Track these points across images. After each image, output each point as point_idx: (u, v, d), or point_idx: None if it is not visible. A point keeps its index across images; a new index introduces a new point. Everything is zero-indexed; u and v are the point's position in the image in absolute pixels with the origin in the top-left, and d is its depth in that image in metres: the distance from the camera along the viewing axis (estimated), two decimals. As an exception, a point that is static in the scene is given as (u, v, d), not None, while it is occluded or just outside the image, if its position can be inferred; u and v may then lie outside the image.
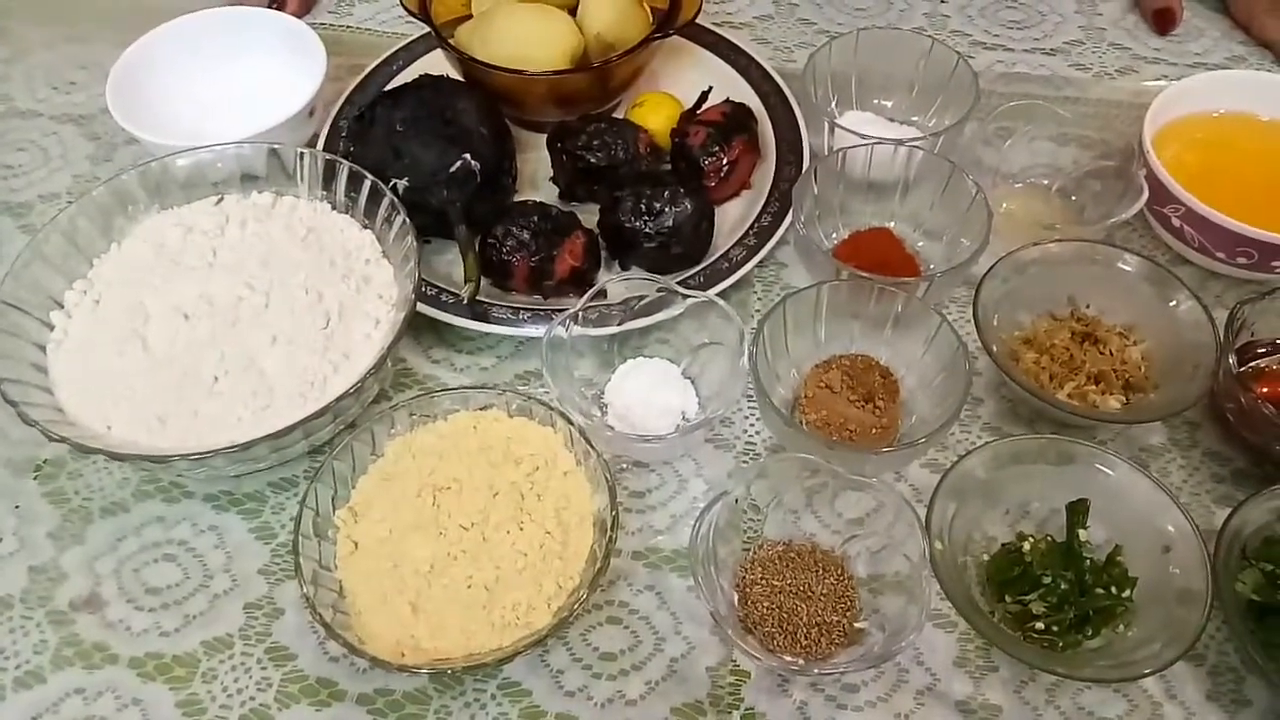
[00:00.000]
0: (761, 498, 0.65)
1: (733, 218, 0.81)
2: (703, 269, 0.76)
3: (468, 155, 0.75)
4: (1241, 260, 0.72)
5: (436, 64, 0.86)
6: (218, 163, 0.74)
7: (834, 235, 0.79)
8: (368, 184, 0.71)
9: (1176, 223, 0.74)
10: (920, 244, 0.79)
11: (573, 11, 0.84)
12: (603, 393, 0.72)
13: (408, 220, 0.69)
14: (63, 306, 0.68)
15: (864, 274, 0.70)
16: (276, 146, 0.73)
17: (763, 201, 0.80)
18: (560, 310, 0.73)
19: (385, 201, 0.71)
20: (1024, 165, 0.83)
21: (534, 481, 0.62)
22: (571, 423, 0.63)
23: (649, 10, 0.83)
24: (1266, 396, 0.66)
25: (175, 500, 0.67)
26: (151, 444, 0.61)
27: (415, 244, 0.68)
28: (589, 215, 0.79)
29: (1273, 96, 0.81)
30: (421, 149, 0.74)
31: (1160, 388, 0.68)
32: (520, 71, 0.78)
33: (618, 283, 0.72)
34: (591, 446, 0.62)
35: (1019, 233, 0.75)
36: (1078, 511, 0.61)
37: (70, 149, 0.88)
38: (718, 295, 0.74)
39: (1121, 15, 0.98)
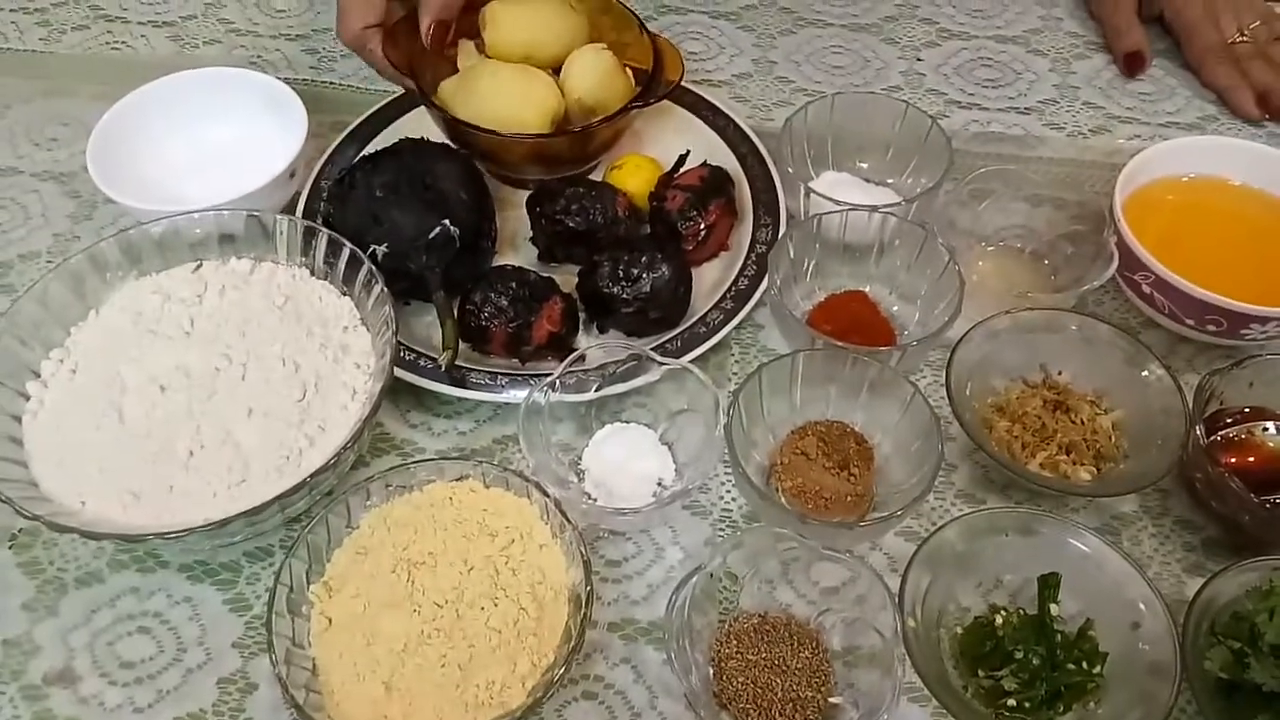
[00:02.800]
0: (738, 567, 0.65)
1: (710, 279, 0.81)
2: (680, 333, 0.76)
3: (447, 221, 0.75)
4: (1211, 328, 0.73)
5: (419, 120, 0.87)
6: (196, 228, 0.74)
7: (810, 297, 0.80)
8: (346, 250, 0.72)
9: (1147, 289, 0.75)
10: (895, 308, 0.79)
11: (558, 71, 0.84)
12: (580, 458, 0.72)
13: (385, 289, 0.69)
14: (39, 376, 0.68)
15: (838, 343, 0.70)
16: (256, 213, 0.73)
17: (740, 264, 0.81)
18: (538, 375, 0.73)
19: (364, 268, 0.71)
20: (998, 227, 0.84)
21: (509, 556, 0.62)
22: (547, 494, 0.63)
23: (631, 75, 0.84)
24: (1234, 467, 0.67)
25: (150, 570, 0.67)
26: (126, 521, 0.61)
27: (393, 313, 0.68)
28: (569, 275, 0.79)
29: (1243, 161, 0.82)
30: (401, 215, 0.75)
31: (1131, 457, 0.69)
32: (500, 134, 0.79)
33: (594, 349, 0.72)
34: (567, 519, 0.62)
35: (992, 298, 0.75)
36: (1049, 585, 0.62)
37: (51, 207, 0.88)
38: (696, 358, 0.75)
39: (1094, 74, 0.99)
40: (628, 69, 0.85)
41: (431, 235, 0.75)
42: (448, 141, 0.82)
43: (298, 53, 1.01)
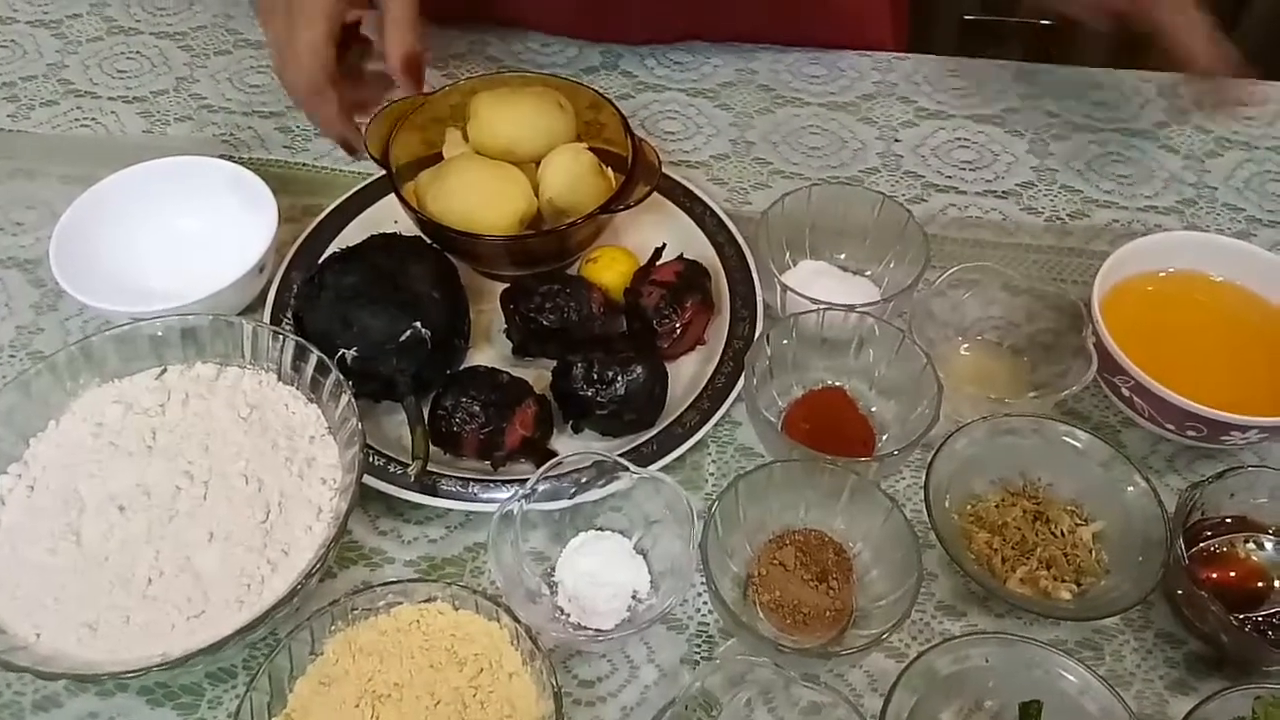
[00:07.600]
0: (716, 690, 0.63)
1: (687, 374, 0.80)
2: (657, 434, 0.75)
3: (418, 323, 0.74)
4: (1191, 434, 0.72)
5: (391, 207, 0.85)
6: (159, 329, 0.72)
7: (788, 393, 0.79)
8: (314, 356, 0.70)
9: (1126, 392, 0.74)
10: (874, 406, 0.78)
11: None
12: (553, 569, 0.71)
13: (353, 401, 0.68)
14: (-4, 492, 0.66)
15: (815, 453, 0.69)
16: (222, 317, 0.72)
17: (716, 360, 0.80)
18: (511, 480, 0.72)
19: (332, 376, 0.70)
20: (976, 318, 0.83)
21: (477, 687, 0.60)
22: (518, 620, 0.61)
23: (611, 174, 0.83)
24: (1214, 583, 0.66)
25: (109, 694, 0.65)
26: (81, 655, 0.59)
27: (360, 427, 0.67)
28: (543, 371, 0.78)
29: (1223, 257, 0.81)
30: (371, 317, 0.73)
31: (1111, 572, 0.68)
32: (465, 233, 0.77)
33: (567, 456, 0.71)
34: (537, 647, 0.60)
35: (969, 400, 0.75)
36: (1030, 714, 0.60)
37: (15, 297, 0.86)
38: (674, 459, 0.74)
39: (1073, 155, 0.98)
40: (608, 173, 0.83)
41: (402, 338, 0.73)
42: (420, 235, 0.81)
43: (271, 131, 1.00)
